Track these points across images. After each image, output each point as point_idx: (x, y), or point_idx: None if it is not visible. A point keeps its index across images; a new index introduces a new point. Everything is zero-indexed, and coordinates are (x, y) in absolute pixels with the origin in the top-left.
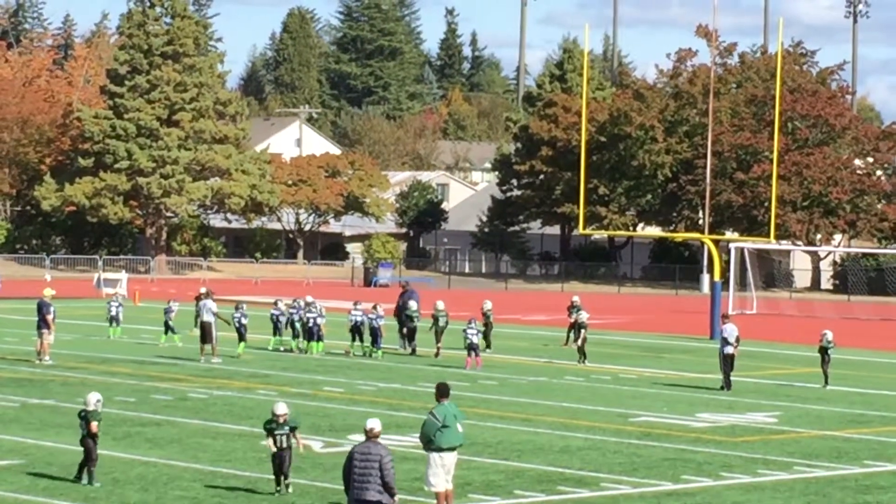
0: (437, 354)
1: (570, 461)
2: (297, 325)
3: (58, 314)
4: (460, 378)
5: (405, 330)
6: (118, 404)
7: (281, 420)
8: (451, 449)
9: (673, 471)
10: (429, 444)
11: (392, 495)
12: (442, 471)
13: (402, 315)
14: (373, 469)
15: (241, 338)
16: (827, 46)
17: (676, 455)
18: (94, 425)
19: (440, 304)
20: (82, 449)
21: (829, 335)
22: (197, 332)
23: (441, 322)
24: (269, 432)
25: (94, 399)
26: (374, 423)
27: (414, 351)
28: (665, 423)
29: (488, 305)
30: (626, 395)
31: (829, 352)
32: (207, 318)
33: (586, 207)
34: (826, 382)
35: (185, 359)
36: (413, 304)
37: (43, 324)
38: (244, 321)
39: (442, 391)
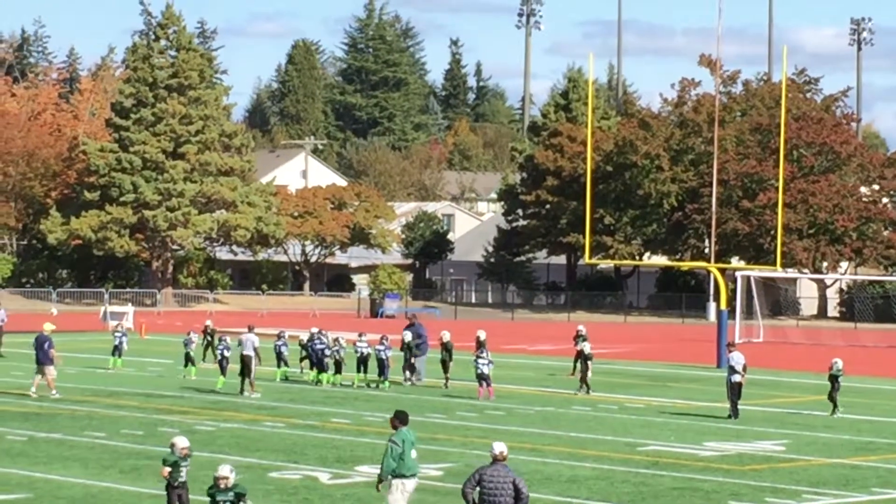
0: (445, 385)
1: (578, 491)
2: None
3: (64, 347)
4: (468, 408)
5: (406, 361)
6: (125, 437)
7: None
8: (413, 475)
9: (681, 500)
10: (393, 471)
11: None
12: (403, 497)
13: (404, 346)
14: (505, 491)
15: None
16: (832, 74)
17: (685, 484)
18: (164, 471)
19: (446, 335)
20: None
21: (839, 363)
22: (207, 365)
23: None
24: (211, 497)
25: (181, 445)
26: (502, 447)
27: (411, 381)
28: (673, 452)
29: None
30: (634, 425)
31: (840, 380)
32: (248, 351)
33: (592, 237)
34: (835, 410)
35: (204, 391)
36: (408, 335)
37: (45, 358)
38: (284, 350)
39: (401, 418)
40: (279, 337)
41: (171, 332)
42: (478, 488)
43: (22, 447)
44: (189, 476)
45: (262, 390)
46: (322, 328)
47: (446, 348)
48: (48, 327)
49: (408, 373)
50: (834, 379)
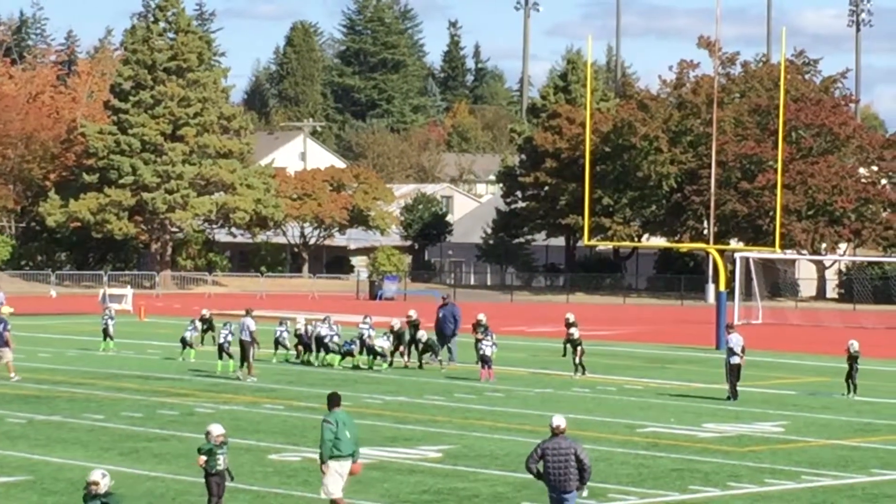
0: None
1: None
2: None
3: (63, 330)
4: (467, 391)
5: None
6: (124, 419)
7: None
8: (349, 456)
9: (680, 481)
10: (328, 452)
11: (586, 482)
12: (340, 478)
13: (443, 329)
14: (569, 461)
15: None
16: (831, 56)
17: (684, 465)
18: (200, 459)
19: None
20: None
21: (856, 344)
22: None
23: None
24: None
25: (216, 433)
26: (561, 420)
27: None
28: (672, 434)
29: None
30: (633, 406)
31: (858, 361)
32: (245, 336)
33: (591, 218)
34: (851, 391)
35: (203, 373)
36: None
37: (1, 341)
38: (285, 336)
39: (333, 400)
40: (281, 323)
41: (170, 315)
42: (541, 462)
43: (22, 430)
44: (189, 458)
45: (259, 372)
46: (329, 315)
47: (415, 326)
48: (5, 310)
49: (431, 356)
50: (853, 360)
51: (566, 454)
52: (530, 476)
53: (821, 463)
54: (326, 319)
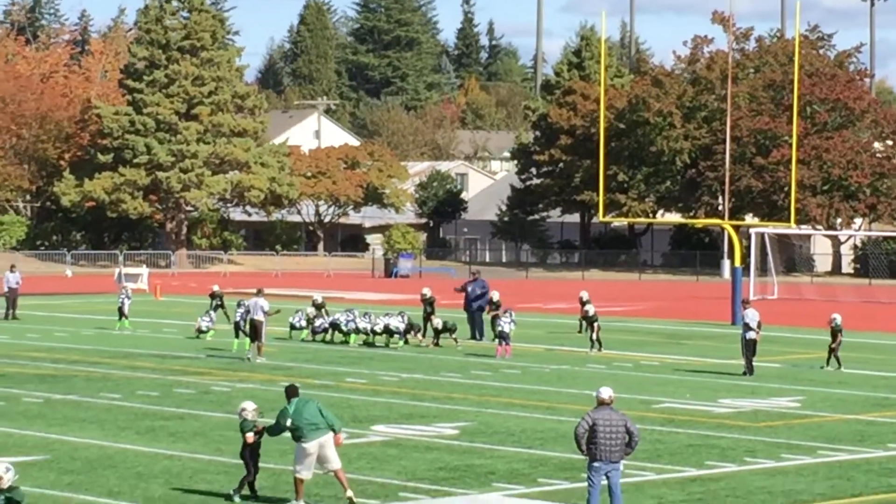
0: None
1: None
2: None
3: (79, 309)
4: (483, 367)
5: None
6: (141, 398)
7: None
8: (318, 432)
9: (696, 457)
10: (292, 434)
11: (633, 451)
12: (307, 459)
13: (472, 305)
14: (619, 432)
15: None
16: (845, 30)
17: (700, 441)
18: (248, 436)
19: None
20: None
21: (839, 318)
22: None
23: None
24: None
25: (251, 408)
26: (609, 392)
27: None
28: (688, 410)
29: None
30: (649, 382)
31: (842, 334)
32: (258, 316)
33: (605, 195)
34: (838, 365)
35: (219, 352)
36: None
37: None
38: (302, 322)
39: (290, 392)
40: (297, 312)
41: (186, 294)
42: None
43: (38, 409)
44: (206, 436)
45: (275, 349)
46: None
47: (430, 304)
48: None
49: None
50: (836, 333)
51: (617, 426)
52: (549, 453)
53: (837, 438)
54: (350, 311)
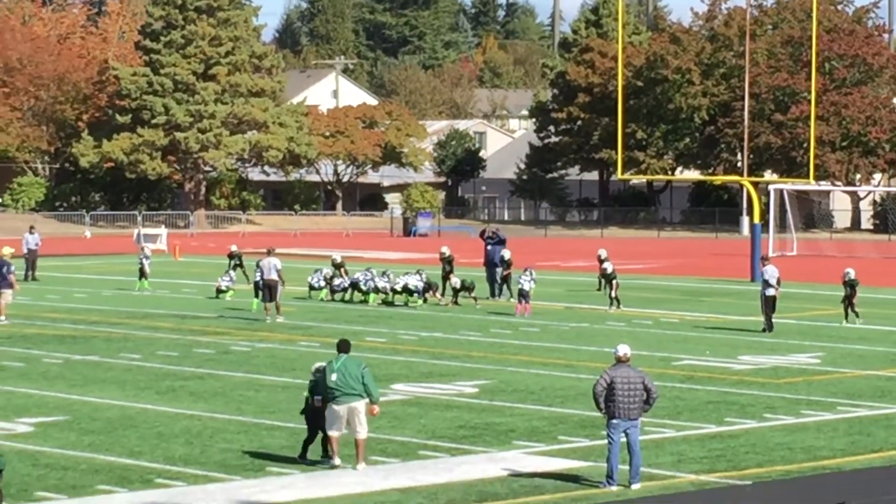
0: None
1: None
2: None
3: (98, 270)
4: (503, 326)
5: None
6: (161, 359)
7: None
8: (348, 396)
9: (716, 413)
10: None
11: (651, 407)
12: (337, 420)
13: (493, 259)
14: (637, 390)
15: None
16: None
17: (719, 398)
18: (316, 400)
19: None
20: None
21: (853, 272)
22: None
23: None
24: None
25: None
26: (626, 349)
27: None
28: (707, 367)
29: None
30: (668, 340)
31: (857, 287)
32: (272, 276)
33: (624, 152)
34: (856, 317)
35: (238, 312)
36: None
37: (4, 283)
38: (321, 283)
39: (339, 346)
40: (315, 272)
41: (205, 254)
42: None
43: (59, 370)
44: (225, 396)
45: (294, 309)
46: (370, 268)
47: (449, 262)
48: (6, 251)
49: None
50: (852, 287)
51: (636, 383)
52: (569, 411)
53: (857, 394)
54: (368, 270)
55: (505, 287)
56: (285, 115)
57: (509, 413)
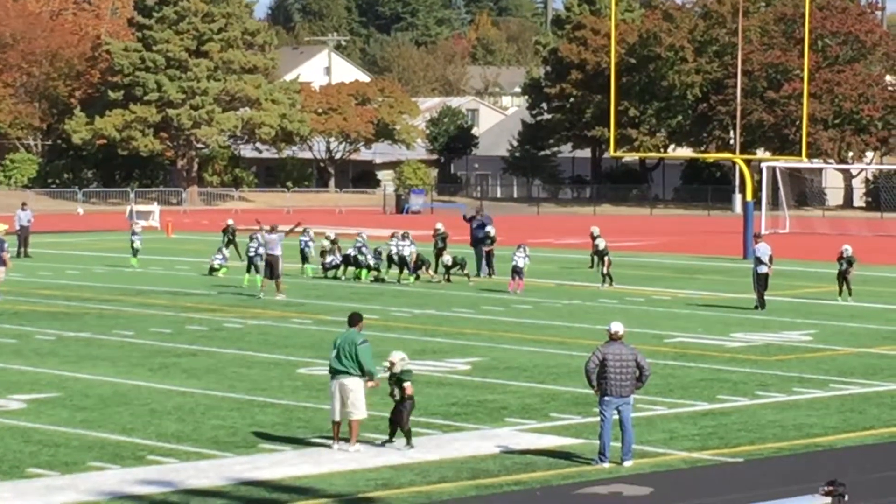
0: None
1: None
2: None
3: (91, 247)
4: (495, 303)
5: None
6: (153, 335)
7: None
8: (339, 373)
9: (708, 391)
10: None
11: (643, 385)
12: (332, 399)
13: (477, 237)
14: (629, 367)
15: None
16: None
17: (712, 375)
18: (407, 386)
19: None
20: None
21: (850, 249)
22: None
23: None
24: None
25: (398, 357)
26: (619, 326)
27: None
28: (700, 344)
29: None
30: (661, 317)
31: (853, 265)
32: (276, 251)
33: (617, 130)
34: (849, 294)
35: (231, 288)
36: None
37: None
38: (311, 248)
39: (349, 319)
40: (304, 232)
41: (198, 231)
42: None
43: (51, 346)
44: (218, 373)
45: (287, 286)
46: (362, 232)
47: (443, 239)
48: (1, 227)
49: (487, 268)
50: (848, 263)
51: (628, 361)
52: (561, 388)
53: (849, 371)
54: (360, 235)
55: (484, 263)
56: (278, 92)
57: (502, 390)
